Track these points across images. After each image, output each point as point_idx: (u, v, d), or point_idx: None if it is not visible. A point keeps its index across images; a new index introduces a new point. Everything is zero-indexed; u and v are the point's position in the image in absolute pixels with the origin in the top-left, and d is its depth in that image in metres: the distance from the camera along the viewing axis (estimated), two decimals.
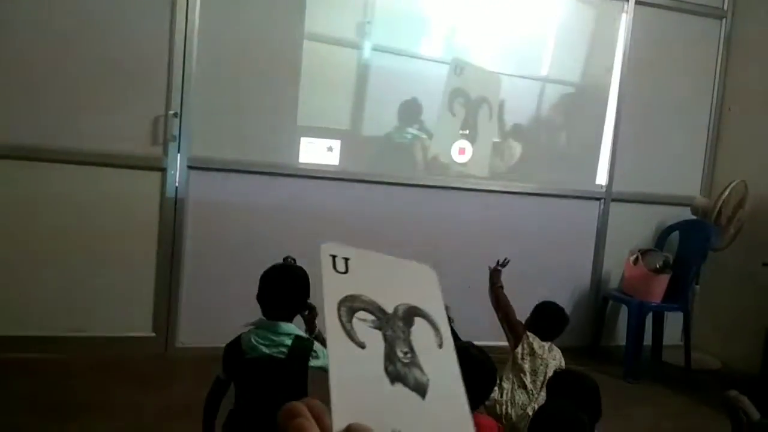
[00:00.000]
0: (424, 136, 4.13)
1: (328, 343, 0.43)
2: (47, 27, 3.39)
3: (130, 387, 3.21)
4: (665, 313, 4.41)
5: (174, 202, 3.64)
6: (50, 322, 3.52)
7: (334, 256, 0.47)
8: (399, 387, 0.43)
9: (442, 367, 0.46)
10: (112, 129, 3.51)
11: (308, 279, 2.27)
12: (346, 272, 0.47)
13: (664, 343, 4.47)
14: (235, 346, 2.23)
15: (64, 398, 3.01)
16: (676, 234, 4.49)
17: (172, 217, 3.64)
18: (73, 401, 2.98)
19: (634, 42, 4.42)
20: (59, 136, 3.45)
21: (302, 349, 2.17)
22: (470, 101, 4.16)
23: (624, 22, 4.42)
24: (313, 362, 2.17)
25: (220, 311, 3.71)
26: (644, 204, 4.59)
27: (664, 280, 4.13)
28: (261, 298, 2.25)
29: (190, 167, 3.65)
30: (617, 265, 4.48)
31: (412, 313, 0.47)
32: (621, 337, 4.40)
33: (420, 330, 0.47)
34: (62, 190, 3.50)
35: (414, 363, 0.45)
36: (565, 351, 4.36)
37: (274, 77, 3.79)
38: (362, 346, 0.44)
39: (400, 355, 0.45)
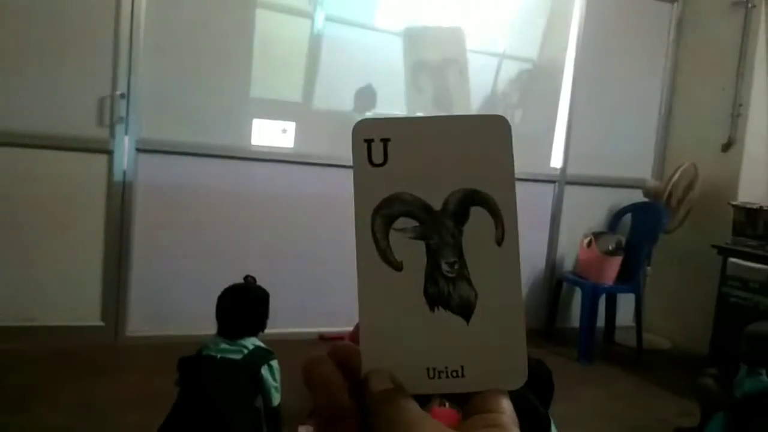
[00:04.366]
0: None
1: (358, 267, 0.37)
2: None
3: (79, 377, 3.13)
4: (618, 294, 4.48)
5: (122, 186, 3.53)
6: None
7: (369, 141, 0.38)
8: (439, 312, 0.38)
9: (496, 274, 0.38)
10: (55, 110, 3.38)
11: (268, 299, 2.31)
12: (384, 163, 0.38)
13: (616, 324, 4.56)
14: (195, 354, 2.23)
15: (11, 389, 2.93)
16: (628, 216, 4.55)
17: (119, 201, 3.54)
18: (21, 392, 2.91)
19: (588, 25, 4.44)
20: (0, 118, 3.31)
21: (261, 354, 2.20)
22: (435, 69, 4.11)
23: (578, 5, 4.44)
24: (265, 374, 2.16)
25: (171, 299, 3.64)
26: (598, 186, 4.65)
27: (616, 262, 4.19)
28: (218, 317, 2.25)
29: (138, 150, 3.54)
30: (571, 247, 4.53)
31: (467, 203, 0.38)
32: (575, 318, 4.46)
33: (475, 224, 0.38)
34: (4, 174, 3.36)
35: (461, 275, 0.38)
36: None
37: (225, 52, 3.71)
38: (399, 267, 0.38)
39: (445, 268, 0.38)
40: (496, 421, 0.36)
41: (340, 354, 0.38)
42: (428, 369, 0.37)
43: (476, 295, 0.38)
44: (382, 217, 0.38)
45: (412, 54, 4.05)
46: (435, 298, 0.38)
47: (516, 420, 0.36)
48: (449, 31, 4.15)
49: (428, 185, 0.38)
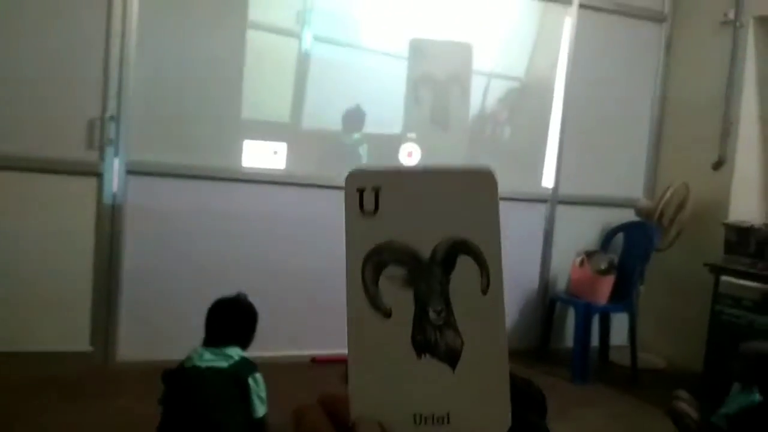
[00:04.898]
0: (364, 145, 4.08)
1: (348, 313, 0.39)
2: None
3: (68, 403, 3.09)
4: (611, 313, 4.47)
5: (111, 208, 3.51)
6: None
7: (361, 191, 0.39)
8: (426, 359, 0.39)
9: (481, 322, 0.39)
10: (44, 132, 3.38)
11: (256, 315, 2.37)
12: (375, 211, 0.39)
13: (610, 344, 4.54)
14: (178, 366, 2.23)
15: None
16: (620, 235, 4.56)
17: (109, 224, 3.52)
18: (8, 418, 2.87)
19: (578, 45, 4.47)
20: None
21: (247, 365, 2.23)
22: (438, 84, 4.11)
23: (568, 25, 4.47)
24: (252, 384, 2.18)
25: (162, 322, 3.60)
26: (590, 206, 4.65)
27: (609, 281, 4.19)
28: (206, 327, 2.29)
29: (128, 172, 3.53)
30: (564, 267, 4.52)
31: (454, 251, 0.40)
32: (569, 338, 4.44)
33: (462, 273, 0.40)
34: None
35: (448, 324, 0.39)
36: (513, 354, 4.39)
37: (216, 74, 3.71)
38: (388, 313, 0.39)
39: (433, 316, 0.39)
40: None
41: (328, 402, 0.39)
42: (415, 415, 0.38)
43: (462, 343, 0.39)
44: (372, 265, 0.39)
45: (417, 66, 4.06)
46: (422, 346, 0.39)
47: None
48: (458, 46, 4.17)
49: (417, 234, 0.39)
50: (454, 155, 4.29)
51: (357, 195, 0.39)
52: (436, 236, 0.40)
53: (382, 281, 0.39)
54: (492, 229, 0.41)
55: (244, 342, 2.31)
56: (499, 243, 0.40)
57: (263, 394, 2.22)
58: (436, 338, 0.39)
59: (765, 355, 2.61)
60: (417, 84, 4.07)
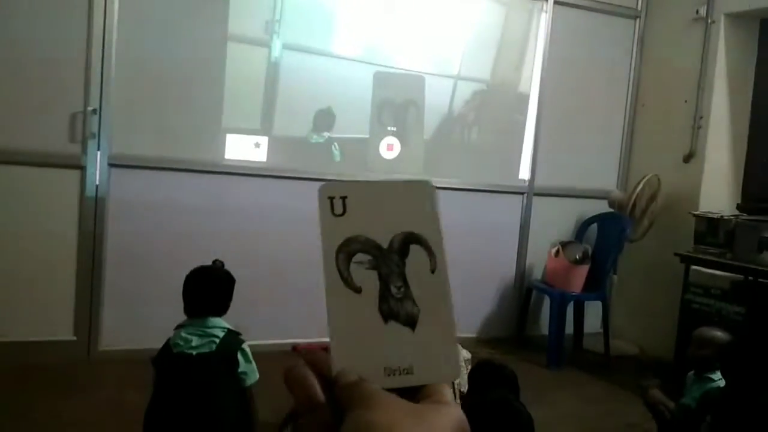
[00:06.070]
0: (335, 144, 4.15)
1: (327, 293, 0.47)
2: None
3: (51, 394, 3.11)
4: (585, 302, 4.57)
5: (94, 201, 3.54)
6: None
7: (332, 198, 0.49)
8: (392, 324, 0.47)
9: (432, 294, 0.48)
10: (26, 125, 3.39)
11: (233, 282, 2.38)
12: (343, 213, 0.49)
13: (584, 331, 4.64)
14: (165, 348, 2.25)
15: None
16: (594, 226, 4.66)
17: (92, 216, 3.54)
18: None
19: (554, 40, 4.55)
20: None
21: (233, 343, 2.25)
22: (397, 107, 4.25)
23: (543, 22, 4.55)
24: (241, 361, 2.21)
25: (144, 312, 3.63)
26: (565, 197, 4.74)
27: (583, 270, 4.29)
28: (185, 297, 2.30)
29: (110, 165, 3.55)
30: (540, 256, 4.62)
31: (407, 242, 0.49)
32: (544, 326, 4.54)
33: (414, 257, 0.49)
34: None
35: (406, 296, 0.48)
36: (491, 341, 4.52)
37: (197, 66, 3.74)
38: (358, 290, 0.47)
39: (394, 291, 0.48)
40: (440, 399, 0.45)
41: (313, 360, 0.46)
42: (385, 369, 0.46)
43: (418, 311, 0.48)
44: (343, 254, 0.48)
45: (378, 93, 4.21)
46: (387, 314, 0.48)
47: (453, 399, 0.46)
48: (413, 77, 4.33)
49: (377, 229, 0.49)
50: (422, 159, 4.42)
51: (328, 201, 0.49)
52: (393, 230, 0.49)
53: (353, 266, 0.48)
54: (434, 223, 0.50)
55: (223, 309, 2.32)
56: (441, 234, 0.49)
57: (253, 365, 2.25)
58: (398, 308, 0.48)
59: (729, 343, 2.64)
60: (379, 108, 4.22)
